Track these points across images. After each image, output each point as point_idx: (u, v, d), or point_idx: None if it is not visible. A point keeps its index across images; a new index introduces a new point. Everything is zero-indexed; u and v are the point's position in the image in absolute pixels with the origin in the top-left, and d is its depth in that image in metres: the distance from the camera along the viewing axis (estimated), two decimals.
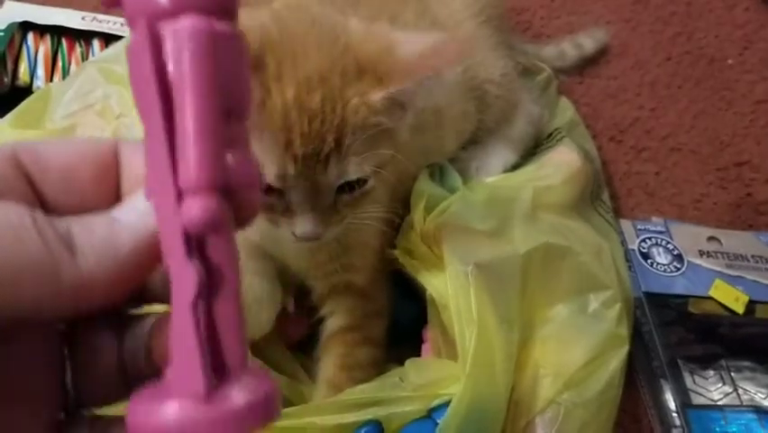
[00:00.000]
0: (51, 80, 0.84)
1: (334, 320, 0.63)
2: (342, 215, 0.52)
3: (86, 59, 0.85)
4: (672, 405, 0.68)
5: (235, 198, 0.22)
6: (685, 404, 0.68)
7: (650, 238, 0.79)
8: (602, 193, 0.80)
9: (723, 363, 0.71)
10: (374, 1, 0.63)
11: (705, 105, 0.96)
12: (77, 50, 0.86)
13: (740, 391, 0.69)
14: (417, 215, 0.60)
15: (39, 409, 0.25)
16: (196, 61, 0.21)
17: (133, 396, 0.22)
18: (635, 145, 0.92)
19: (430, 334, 0.60)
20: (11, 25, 0.84)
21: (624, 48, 1.01)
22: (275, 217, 0.51)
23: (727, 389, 0.69)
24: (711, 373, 0.70)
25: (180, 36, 0.21)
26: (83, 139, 0.28)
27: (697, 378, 0.69)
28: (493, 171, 0.74)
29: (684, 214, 0.86)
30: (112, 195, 0.27)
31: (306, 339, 0.66)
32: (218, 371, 0.22)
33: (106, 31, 0.87)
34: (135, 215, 0.24)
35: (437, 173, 0.68)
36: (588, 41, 0.97)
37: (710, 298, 0.75)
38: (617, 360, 0.59)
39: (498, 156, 0.76)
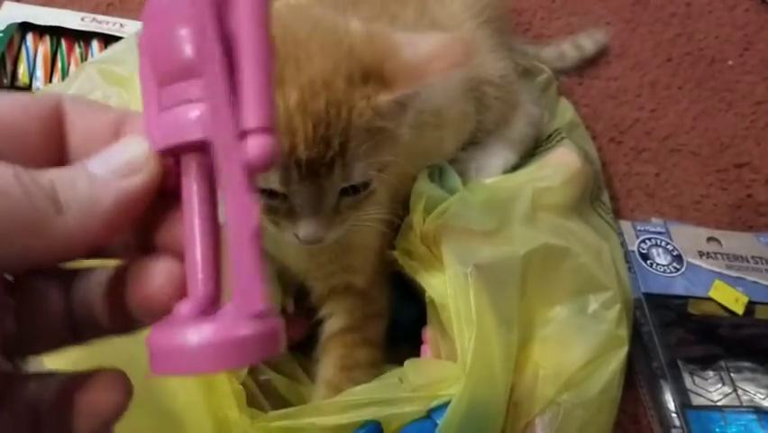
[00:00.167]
0: (50, 81, 0.84)
1: (334, 321, 0.63)
2: (344, 217, 0.51)
3: (86, 59, 0.85)
4: (671, 406, 0.68)
5: None
6: (685, 405, 0.67)
7: (650, 239, 0.79)
8: (602, 194, 0.79)
9: (723, 363, 0.71)
10: (374, 1, 0.63)
11: (705, 107, 0.96)
12: (77, 50, 0.86)
13: (740, 391, 0.69)
14: (417, 216, 0.60)
15: None
16: (259, 20, 0.24)
17: (175, 326, 0.24)
18: (635, 146, 0.92)
19: (429, 334, 0.60)
20: (10, 26, 0.84)
21: (624, 49, 1.01)
22: (277, 220, 0.50)
23: (727, 389, 0.69)
24: (711, 373, 0.70)
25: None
26: (24, 94, 0.28)
27: (696, 379, 0.69)
28: (493, 172, 0.74)
29: (684, 215, 0.86)
30: (58, 149, 0.27)
31: (306, 340, 0.66)
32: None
33: (106, 31, 0.87)
34: (111, 170, 0.25)
35: (437, 174, 0.68)
36: (588, 42, 0.97)
37: (710, 299, 0.75)
38: (616, 361, 0.59)
39: (497, 157, 0.76)
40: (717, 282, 0.76)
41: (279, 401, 0.59)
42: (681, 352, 0.71)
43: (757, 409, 0.68)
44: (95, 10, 0.91)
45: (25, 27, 0.86)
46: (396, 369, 0.57)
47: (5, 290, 0.27)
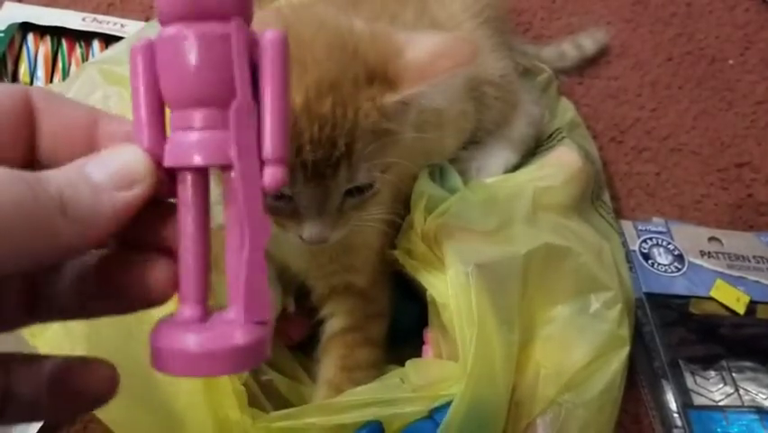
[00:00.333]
0: (51, 81, 0.84)
1: (335, 321, 0.63)
2: (348, 218, 0.51)
3: (87, 60, 0.85)
4: (673, 406, 0.68)
5: None
6: (686, 405, 0.67)
7: (651, 239, 0.79)
8: (603, 194, 0.79)
9: (724, 363, 0.71)
10: (374, 1, 0.63)
11: (706, 106, 0.96)
12: (78, 51, 0.86)
13: (741, 391, 0.69)
14: (418, 215, 0.60)
15: None
16: (281, 65, 0.27)
17: (178, 329, 0.26)
18: (636, 146, 0.91)
19: (430, 334, 0.60)
20: (11, 26, 0.84)
21: (624, 48, 1.01)
22: (282, 221, 0.50)
23: (729, 389, 0.69)
24: (712, 373, 0.70)
25: (274, 43, 0.27)
26: None
27: (698, 378, 0.69)
28: (494, 172, 0.74)
29: (685, 214, 0.86)
30: (27, 143, 0.28)
31: (307, 340, 0.66)
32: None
33: (106, 32, 0.87)
34: (112, 179, 0.26)
35: (438, 174, 0.68)
36: (588, 42, 0.97)
37: (711, 298, 0.75)
38: (618, 361, 0.59)
39: (498, 157, 0.76)
40: (719, 282, 0.76)
41: (281, 402, 0.59)
42: (682, 352, 0.71)
43: (759, 409, 0.68)
44: (96, 10, 0.91)
45: (26, 27, 0.86)
46: (397, 369, 0.57)
47: None
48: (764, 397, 0.68)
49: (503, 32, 0.78)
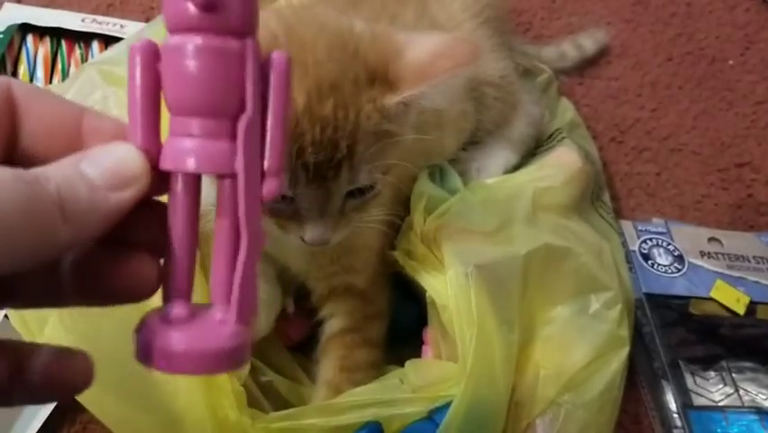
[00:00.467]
0: (51, 82, 0.84)
1: (334, 322, 0.63)
2: (349, 219, 0.51)
3: (86, 60, 0.85)
4: (673, 406, 0.68)
5: None
6: (686, 405, 0.67)
7: (651, 239, 0.79)
8: (603, 194, 0.79)
9: (724, 364, 0.70)
10: (374, 1, 0.63)
11: (706, 106, 0.96)
12: (77, 51, 0.86)
13: (741, 391, 0.69)
14: (417, 216, 0.60)
15: None
16: (285, 85, 0.28)
17: (166, 326, 0.27)
18: (636, 146, 0.91)
19: (430, 335, 0.60)
20: (10, 27, 0.84)
21: (624, 49, 1.01)
22: (283, 223, 0.50)
23: (729, 390, 0.69)
24: (712, 373, 0.70)
25: (281, 63, 0.28)
26: None
27: (698, 379, 0.69)
28: (494, 172, 0.74)
29: (685, 215, 0.86)
30: (6, 136, 0.28)
31: (306, 341, 0.66)
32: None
33: (106, 32, 0.87)
34: (107, 179, 0.26)
35: (437, 174, 0.67)
36: (588, 42, 0.97)
37: (711, 299, 0.75)
38: (617, 361, 0.59)
39: (498, 157, 0.76)
40: (719, 282, 0.76)
41: (280, 402, 0.59)
42: (682, 352, 0.71)
43: (759, 410, 0.68)
44: (95, 11, 0.91)
45: (26, 28, 0.86)
46: (396, 370, 0.57)
47: None
48: (764, 397, 0.68)
49: (503, 32, 0.78)
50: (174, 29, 0.27)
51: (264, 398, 0.58)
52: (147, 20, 0.91)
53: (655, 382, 0.70)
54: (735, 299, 0.75)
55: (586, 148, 0.79)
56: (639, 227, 0.80)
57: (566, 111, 0.84)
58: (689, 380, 0.69)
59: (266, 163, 0.28)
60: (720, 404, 0.68)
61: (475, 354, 0.52)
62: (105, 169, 0.26)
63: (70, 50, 0.86)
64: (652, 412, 0.70)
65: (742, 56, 1.02)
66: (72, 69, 0.85)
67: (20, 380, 0.27)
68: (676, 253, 0.78)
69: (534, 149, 0.79)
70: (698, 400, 0.68)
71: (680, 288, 0.76)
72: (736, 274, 0.77)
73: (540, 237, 0.61)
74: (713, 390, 0.69)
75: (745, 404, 0.68)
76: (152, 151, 0.28)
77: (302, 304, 0.66)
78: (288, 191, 0.47)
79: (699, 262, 0.78)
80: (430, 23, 0.68)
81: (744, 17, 1.06)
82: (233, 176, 0.27)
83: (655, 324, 0.72)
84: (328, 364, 0.60)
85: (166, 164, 0.27)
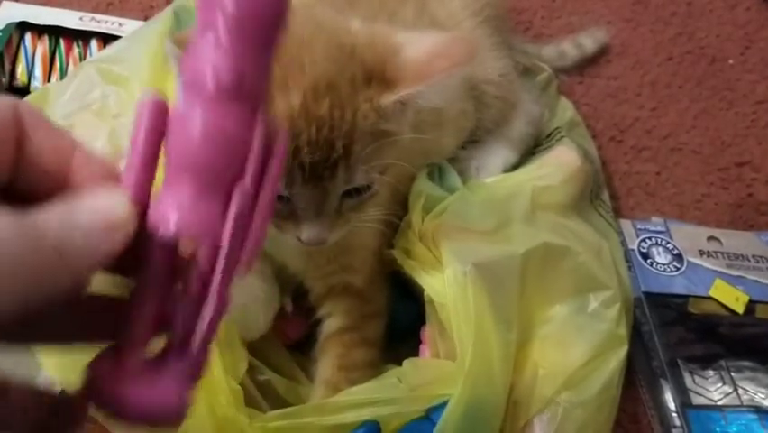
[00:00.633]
0: (49, 80, 0.83)
1: (332, 321, 0.63)
2: (346, 219, 0.51)
3: (84, 59, 0.85)
4: (671, 405, 0.68)
5: None
6: (685, 404, 0.67)
7: (650, 238, 0.79)
8: (602, 193, 0.79)
9: (723, 363, 0.70)
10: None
11: (706, 105, 0.96)
12: (75, 50, 0.86)
13: (740, 391, 0.69)
14: (416, 215, 0.60)
15: None
16: (280, 163, 0.30)
17: (121, 373, 0.28)
18: (636, 145, 0.91)
19: (428, 334, 0.60)
20: (8, 25, 0.84)
21: (624, 48, 1.00)
22: (279, 222, 0.50)
23: (727, 389, 0.69)
24: (711, 373, 0.70)
25: (279, 153, 0.30)
26: None
27: (697, 378, 0.69)
28: (493, 171, 0.73)
29: (685, 214, 0.86)
30: (11, 158, 0.28)
31: (304, 340, 0.66)
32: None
33: (104, 31, 0.86)
34: (99, 225, 0.27)
35: (436, 173, 0.67)
36: (588, 41, 0.96)
37: (710, 298, 0.75)
38: (616, 360, 0.59)
39: (498, 156, 0.75)
40: (718, 281, 0.76)
41: (278, 401, 0.59)
42: (681, 351, 0.71)
43: (758, 409, 0.67)
44: (94, 9, 0.91)
45: (24, 26, 0.86)
46: (394, 369, 0.57)
47: None
48: (763, 396, 0.68)
49: (503, 30, 0.78)
50: (190, 93, 0.28)
51: (262, 397, 0.58)
52: (146, 18, 0.91)
53: (654, 381, 0.70)
54: (734, 298, 0.74)
55: (585, 147, 0.78)
56: (638, 226, 0.80)
57: (566, 110, 0.83)
58: (687, 379, 0.69)
59: (248, 245, 0.29)
60: (719, 403, 0.68)
61: (473, 352, 0.52)
62: (98, 215, 0.27)
63: (69, 49, 0.86)
64: (650, 411, 0.70)
65: (742, 55, 1.01)
66: (70, 67, 0.84)
67: None
68: (675, 252, 0.78)
69: (533, 148, 0.79)
70: (696, 400, 0.68)
71: (679, 287, 0.75)
72: (736, 273, 0.77)
73: (539, 236, 0.61)
74: (712, 389, 0.69)
75: (744, 403, 0.68)
76: (143, 198, 0.29)
77: (300, 303, 0.66)
78: (284, 191, 0.47)
79: (698, 261, 0.78)
80: (429, 21, 0.68)
81: (744, 16, 1.05)
82: (217, 247, 0.28)
83: (654, 323, 0.72)
84: (326, 363, 0.60)
85: (153, 216, 0.28)
